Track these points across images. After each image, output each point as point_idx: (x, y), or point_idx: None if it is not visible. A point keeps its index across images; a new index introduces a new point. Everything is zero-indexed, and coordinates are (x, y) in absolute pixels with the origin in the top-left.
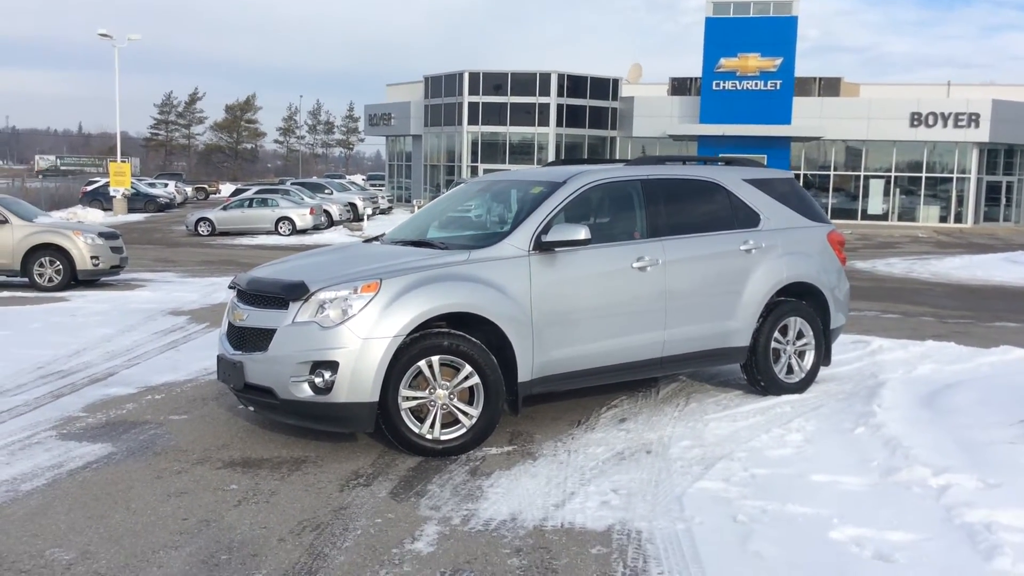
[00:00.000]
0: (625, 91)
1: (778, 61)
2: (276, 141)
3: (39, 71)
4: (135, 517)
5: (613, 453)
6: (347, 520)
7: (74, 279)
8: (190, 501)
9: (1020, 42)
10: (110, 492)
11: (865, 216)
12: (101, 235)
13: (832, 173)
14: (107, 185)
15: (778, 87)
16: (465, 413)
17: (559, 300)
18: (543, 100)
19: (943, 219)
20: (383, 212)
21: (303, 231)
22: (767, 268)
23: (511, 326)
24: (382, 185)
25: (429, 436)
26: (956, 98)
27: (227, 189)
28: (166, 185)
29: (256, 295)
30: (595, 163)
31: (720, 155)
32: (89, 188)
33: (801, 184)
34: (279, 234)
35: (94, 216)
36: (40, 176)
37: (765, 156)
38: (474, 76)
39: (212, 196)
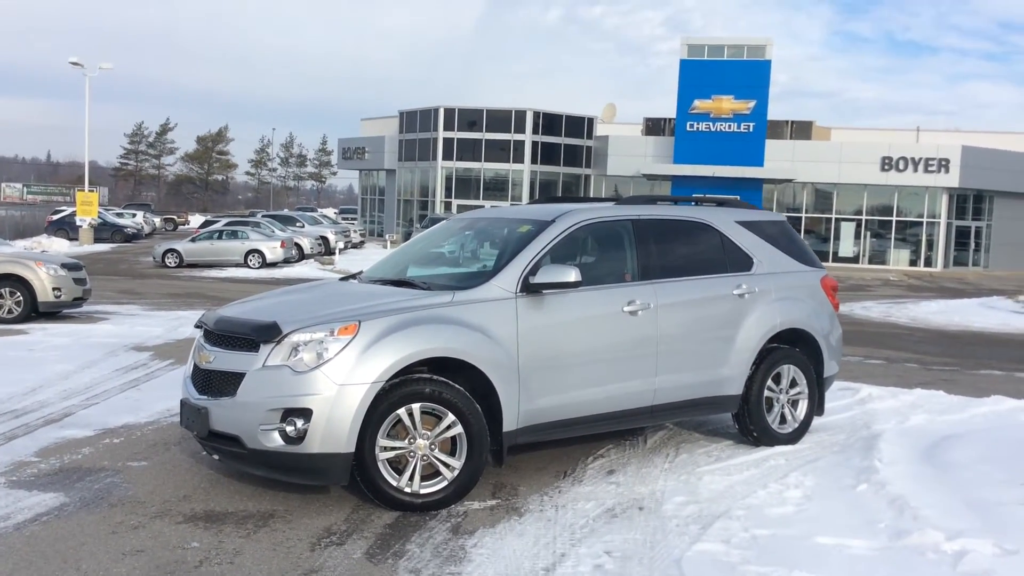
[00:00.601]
0: (600, 130)
1: (751, 104)
2: (248, 173)
3: (7, 98)
4: None
5: (604, 509)
6: None
7: (35, 311)
8: (146, 562)
9: (985, 90)
10: (60, 550)
11: (836, 258)
12: (64, 266)
13: (803, 215)
14: (73, 214)
15: (751, 129)
16: (447, 465)
17: (547, 345)
18: (518, 137)
19: (913, 263)
20: (355, 246)
21: (273, 264)
22: (760, 313)
23: (496, 372)
24: (354, 219)
25: (408, 489)
26: (926, 143)
27: (196, 220)
28: (134, 215)
29: (224, 336)
30: (582, 201)
31: (707, 196)
32: (55, 217)
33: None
34: (248, 267)
35: (59, 246)
36: None
37: (738, 197)
38: (449, 112)
39: (181, 227)
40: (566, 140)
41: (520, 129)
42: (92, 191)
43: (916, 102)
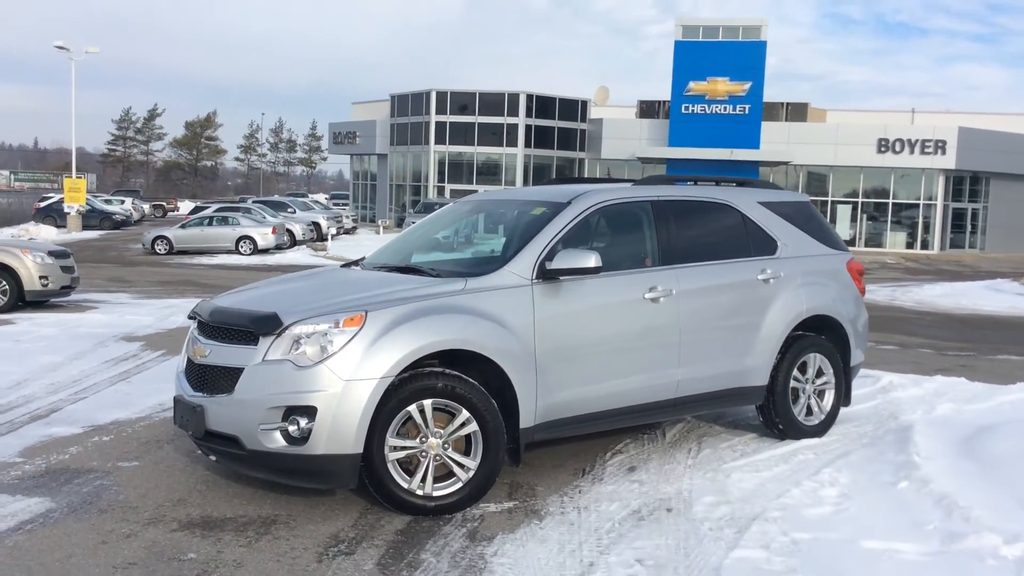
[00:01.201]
0: (594, 113)
1: (747, 86)
2: (237, 159)
3: None
4: None
5: (629, 511)
6: None
7: (21, 300)
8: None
9: (974, 72)
10: (45, 563)
11: None
12: (51, 254)
13: None
14: (61, 201)
15: (747, 111)
16: (461, 465)
17: (565, 336)
18: (511, 120)
19: (909, 245)
20: (347, 232)
21: (265, 251)
22: (786, 300)
23: (513, 364)
24: (345, 204)
25: (420, 492)
26: (922, 125)
27: (186, 207)
28: (123, 202)
29: (220, 328)
30: (595, 183)
31: (726, 176)
32: (42, 204)
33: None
34: (240, 254)
35: (47, 233)
36: None
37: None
38: (441, 95)
39: (170, 213)
40: (560, 123)
41: (513, 112)
42: (80, 178)
43: (906, 84)
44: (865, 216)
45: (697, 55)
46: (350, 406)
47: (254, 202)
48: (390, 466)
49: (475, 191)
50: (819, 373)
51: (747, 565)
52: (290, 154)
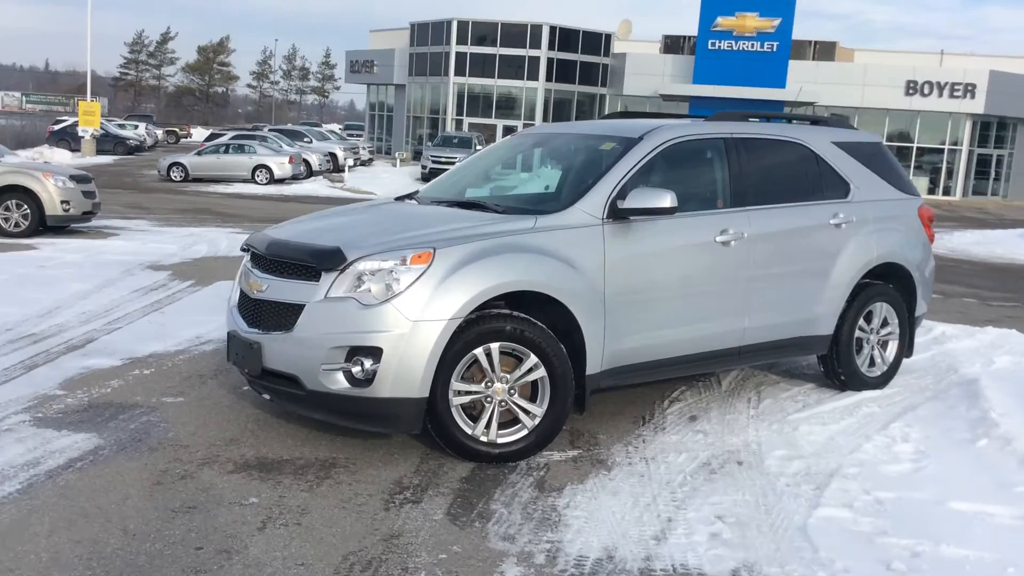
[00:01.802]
0: (617, 48)
1: (776, 22)
2: (249, 86)
3: (3, 3)
4: (136, 544)
5: (698, 464)
6: (404, 555)
7: (42, 225)
8: (202, 521)
9: (1000, 15)
10: (100, 505)
11: None
12: (72, 178)
13: None
14: (75, 125)
15: (775, 49)
16: (527, 412)
17: (634, 279)
18: (533, 53)
19: (931, 191)
20: (363, 164)
21: (281, 180)
22: (857, 245)
23: (582, 308)
24: (359, 135)
25: (484, 439)
26: (950, 67)
27: (199, 133)
28: (136, 127)
29: (278, 261)
30: (651, 118)
31: (799, 114)
32: (56, 127)
33: None
34: (256, 183)
35: (61, 157)
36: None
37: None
38: (463, 25)
39: (183, 140)
40: (582, 57)
41: (535, 44)
42: (94, 101)
43: (930, 25)
44: None
45: None
46: (417, 348)
47: (270, 130)
48: (454, 411)
49: (493, 125)
50: (884, 323)
51: (833, 525)
52: (303, 82)
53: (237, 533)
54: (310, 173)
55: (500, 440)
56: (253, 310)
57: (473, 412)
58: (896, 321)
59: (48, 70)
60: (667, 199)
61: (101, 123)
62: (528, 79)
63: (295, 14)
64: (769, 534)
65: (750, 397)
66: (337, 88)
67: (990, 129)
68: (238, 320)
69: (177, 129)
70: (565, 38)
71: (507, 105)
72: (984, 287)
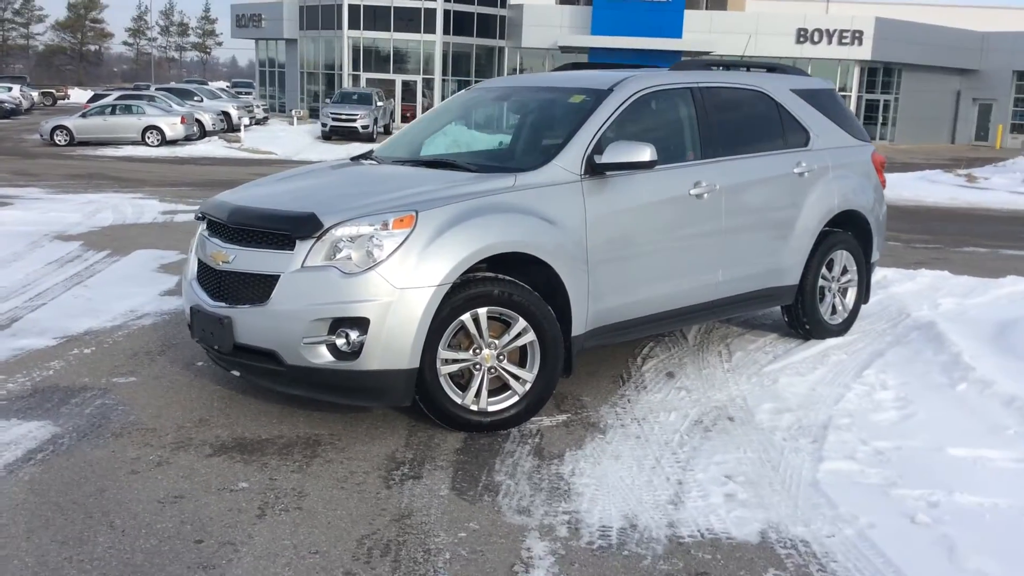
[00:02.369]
0: None
1: None
2: (125, 43)
3: None
4: (128, 540)
5: (691, 422)
6: (422, 536)
7: None
8: (194, 511)
9: None
10: (76, 499)
11: None
12: None
13: None
14: None
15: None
16: (517, 377)
17: (614, 236)
18: (429, 4)
19: None
20: (258, 122)
21: (173, 142)
22: (819, 195)
23: (567, 268)
24: (248, 93)
25: (474, 407)
26: (839, 15)
27: (77, 94)
28: (9, 89)
29: (244, 230)
30: (608, 68)
31: (752, 61)
32: None
33: None
34: (147, 144)
35: None
36: None
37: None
38: None
39: (61, 102)
40: (479, 8)
41: None
42: None
43: None
44: None
45: None
46: (405, 316)
47: (157, 89)
48: (442, 380)
49: (392, 80)
50: (843, 271)
51: (842, 479)
52: (182, 39)
53: (236, 522)
54: (203, 133)
55: (491, 408)
56: (218, 282)
57: (461, 380)
58: (855, 268)
59: None
60: (646, 152)
61: None
62: (425, 32)
63: None
64: (783, 492)
65: (720, 350)
66: (219, 44)
67: (877, 75)
68: (200, 293)
69: (54, 90)
70: None
71: (404, 59)
72: (903, 230)
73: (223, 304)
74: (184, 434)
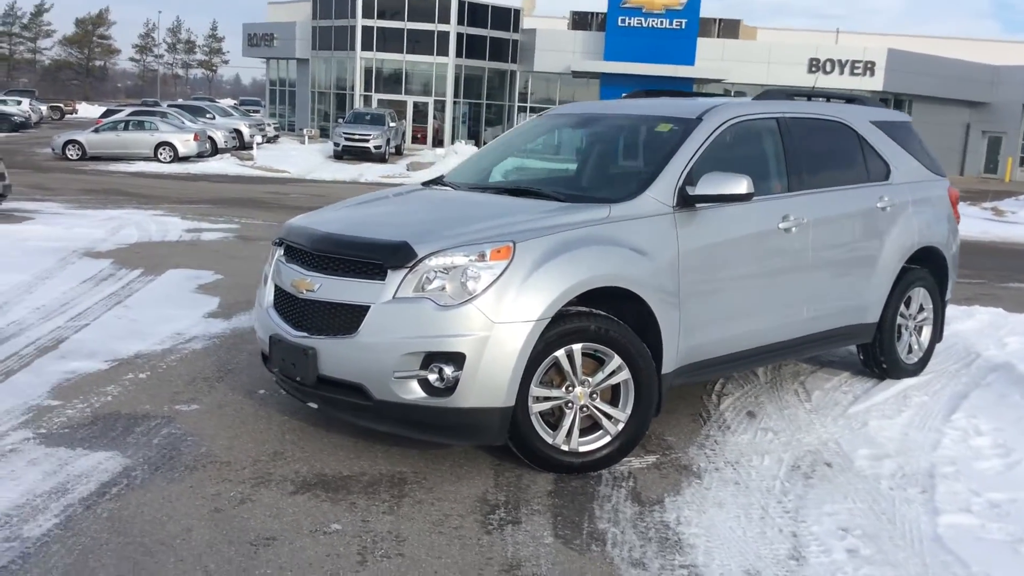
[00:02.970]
0: (526, 23)
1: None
2: (132, 59)
3: None
4: None
5: (787, 467)
6: None
7: None
8: (289, 556)
9: None
10: (161, 539)
11: None
12: None
13: None
14: None
15: (683, 26)
16: (610, 417)
17: (705, 270)
18: (442, 28)
19: None
20: (269, 141)
21: (186, 158)
22: (900, 230)
23: (659, 303)
24: (256, 112)
25: (566, 448)
26: (851, 46)
27: (85, 109)
28: (19, 103)
29: (330, 257)
30: (696, 96)
31: (831, 91)
32: None
33: None
34: (159, 161)
35: None
36: None
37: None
38: None
39: (69, 116)
40: (492, 32)
41: (444, 19)
42: None
43: (804, 5)
44: None
45: None
46: (503, 352)
47: (170, 106)
48: (534, 419)
49: (404, 102)
50: (920, 308)
51: (965, 534)
52: (189, 56)
53: (338, 569)
54: (215, 151)
55: (582, 449)
56: (300, 311)
57: (551, 419)
58: (931, 306)
59: None
60: (743, 185)
61: None
62: (438, 54)
63: None
64: (906, 547)
65: (796, 389)
66: (226, 62)
67: (888, 106)
68: (279, 322)
69: (62, 105)
70: (473, 12)
71: (416, 81)
72: None
73: (306, 334)
74: (262, 468)
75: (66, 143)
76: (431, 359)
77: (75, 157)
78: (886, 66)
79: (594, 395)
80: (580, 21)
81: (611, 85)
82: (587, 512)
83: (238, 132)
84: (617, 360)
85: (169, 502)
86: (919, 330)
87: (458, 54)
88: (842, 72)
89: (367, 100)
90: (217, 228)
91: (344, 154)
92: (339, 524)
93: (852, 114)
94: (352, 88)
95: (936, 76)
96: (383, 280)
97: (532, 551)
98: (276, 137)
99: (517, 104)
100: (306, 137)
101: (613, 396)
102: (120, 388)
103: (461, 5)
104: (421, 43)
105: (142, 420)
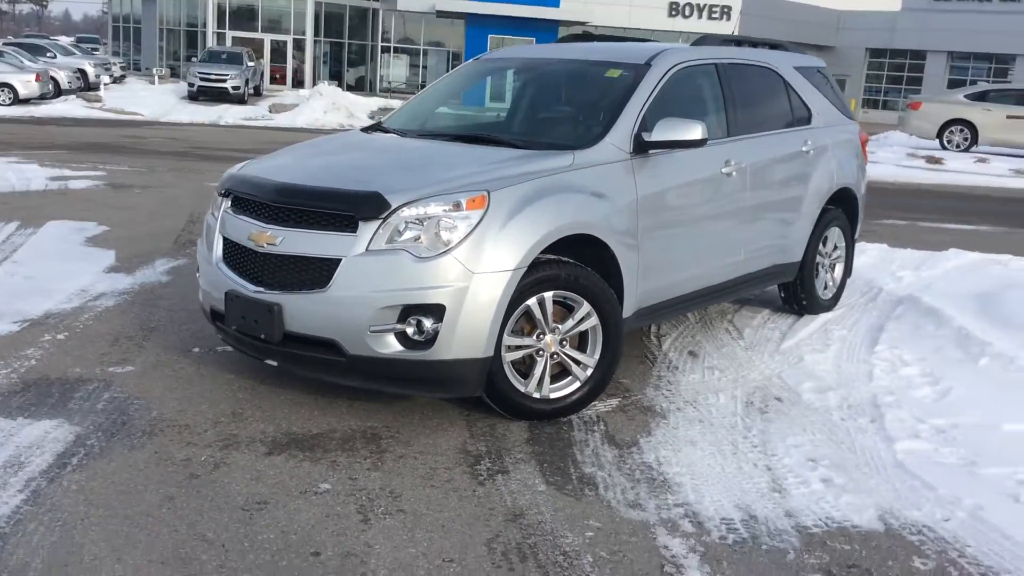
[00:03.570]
0: None
1: None
2: None
3: None
4: (236, 557)
5: (743, 403)
6: (550, 538)
7: None
8: (287, 519)
9: None
10: (146, 511)
11: None
12: None
13: None
14: None
15: None
16: (579, 363)
17: (660, 215)
18: None
19: None
20: (116, 81)
21: (27, 100)
22: (821, 172)
23: (623, 249)
24: (96, 50)
25: (537, 395)
26: None
27: None
28: None
29: (293, 209)
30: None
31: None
32: None
33: None
34: None
35: None
36: None
37: (534, 39)
38: None
39: None
40: None
41: None
42: None
43: None
44: None
45: None
46: (482, 303)
47: (6, 44)
48: (506, 368)
49: (261, 40)
50: (834, 247)
51: (922, 459)
52: None
53: (343, 529)
54: (59, 92)
55: (553, 395)
56: (259, 266)
57: (522, 367)
58: (843, 244)
59: None
60: (698, 130)
61: None
62: None
63: None
64: (874, 475)
65: (727, 327)
66: None
67: None
68: (234, 278)
69: None
70: None
71: (274, 18)
72: None
73: (271, 290)
74: (224, 430)
75: None
76: (409, 312)
77: None
78: (741, 10)
79: (563, 342)
80: None
81: (477, 25)
82: (570, 457)
83: (82, 72)
84: (586, 307)
85: (139, 470)
86: (833, 267)
87: None
88: (700, 16)
89: (220, 38)
90: (83, 176)
91: (200, 95)
92: (327, 483)
93: (778, 60)
94: (204, 25)
95: (786, 21)
96: (354, 232)
97: (530, 499)
98: (123, 77)
99: (380, 44)
100: (156, 77)
101: (580, 342)
102: (41, 351)
103: None
104: None
105: (77, 384)
